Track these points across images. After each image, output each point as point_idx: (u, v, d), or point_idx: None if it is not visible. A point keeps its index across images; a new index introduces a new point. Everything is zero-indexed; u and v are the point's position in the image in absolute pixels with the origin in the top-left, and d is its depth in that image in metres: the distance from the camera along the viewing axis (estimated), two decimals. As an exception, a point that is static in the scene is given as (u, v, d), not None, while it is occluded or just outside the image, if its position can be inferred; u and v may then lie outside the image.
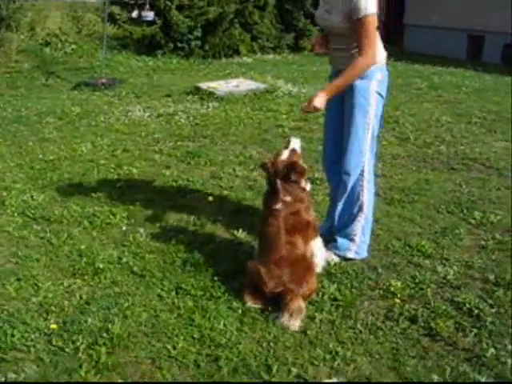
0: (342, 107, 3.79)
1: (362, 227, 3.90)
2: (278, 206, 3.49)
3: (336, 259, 3.90)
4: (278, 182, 3.54)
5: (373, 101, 3.66)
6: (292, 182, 3.54)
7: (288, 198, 3.50)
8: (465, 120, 7.83)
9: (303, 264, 3.41)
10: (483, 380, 2.78)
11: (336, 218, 3.96)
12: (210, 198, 4.90)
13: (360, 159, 3.74)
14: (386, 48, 3.73)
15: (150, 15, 12.22)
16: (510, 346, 3.00)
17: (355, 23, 3.44)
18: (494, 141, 6.89)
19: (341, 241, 3.93)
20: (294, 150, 3.66)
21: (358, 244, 3.92)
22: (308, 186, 3.70)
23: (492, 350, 2.96)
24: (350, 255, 3.92)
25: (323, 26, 3.76)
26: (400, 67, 12.34)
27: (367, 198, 3.84)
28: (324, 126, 4.11)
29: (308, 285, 3.33)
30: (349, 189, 3.81)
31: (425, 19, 14.91)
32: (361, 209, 3.84)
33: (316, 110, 3.53)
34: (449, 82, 10.93)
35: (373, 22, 3.44)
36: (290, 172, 3.53)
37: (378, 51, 3.63)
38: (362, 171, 3.77)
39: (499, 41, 13.78)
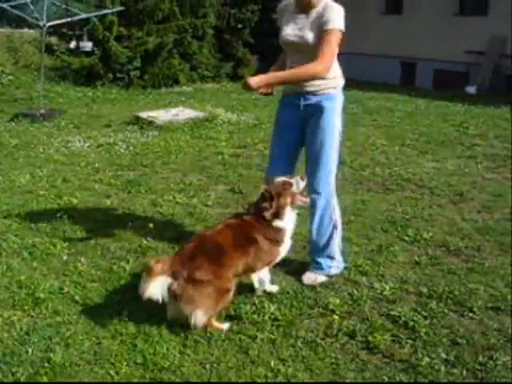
0: (302, 128, 3.89)
1: (338, 243, 4.04)
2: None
3: (323, 279, 3.98)
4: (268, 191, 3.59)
5: (338, 122, 3.87)
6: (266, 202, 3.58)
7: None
8: (399, 142, 8.12)
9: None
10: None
11: (313, 238, 4.01)
12: (151, 226, 4.90)
13: (329, 178, 3.87)
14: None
15: (87, 46, 12.27)
16: (443, 354, 3.13)
17: (322, 33, 3.56)
18: (425, 161, 7.19)
19: (323, 261, 4.01)
20: (289, 183, 3.63)
21: (338, 259, 4.05)
22: (280, 223, 3.63)
23: (427, 359, 3.09)
24: (334, 271, 4.04)
25: (292, 42, 3.74)
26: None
27: (338, 214, 3.99)
28: (274, 141, 4.08)
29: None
30: (321, 209, 3.90)
31: (360, 47, 15.37)
32: (335, 227, 3.97)
33: (248, 86, 3.55)
34: (383, 106, 11.31)
35: (338, 37, 3.58)
36: (265, 196, 3.58)
37: (337, 74, 3.83)
38: (331, 190, 3.90)
39: (430, 66, 14.39)
